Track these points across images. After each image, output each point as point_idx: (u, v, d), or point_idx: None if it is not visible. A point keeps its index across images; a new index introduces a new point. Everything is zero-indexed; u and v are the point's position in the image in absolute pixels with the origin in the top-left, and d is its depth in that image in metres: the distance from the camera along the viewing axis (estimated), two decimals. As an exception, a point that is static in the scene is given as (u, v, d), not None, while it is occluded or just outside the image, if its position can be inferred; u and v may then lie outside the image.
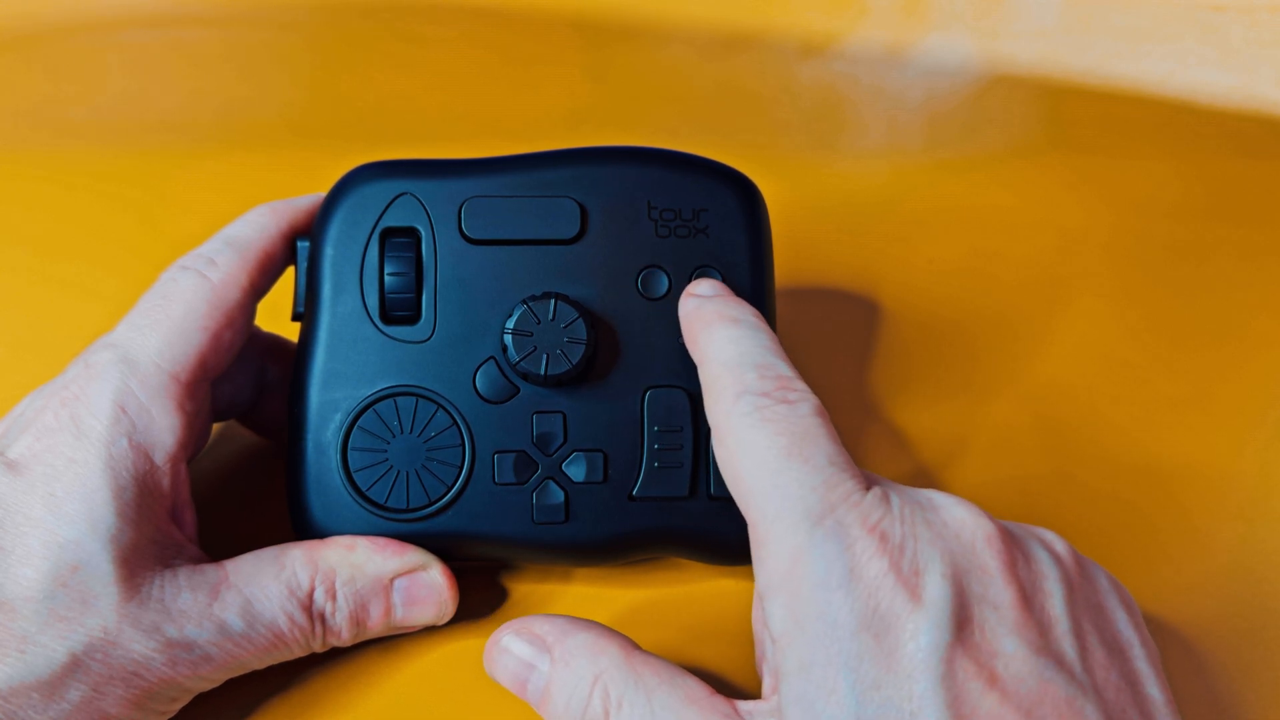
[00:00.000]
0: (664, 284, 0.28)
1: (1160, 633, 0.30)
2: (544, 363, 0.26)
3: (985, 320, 0.39)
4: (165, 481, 0.25)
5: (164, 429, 0.25)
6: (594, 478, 0.27)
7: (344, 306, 0.27)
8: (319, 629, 0.26)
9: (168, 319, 0.26)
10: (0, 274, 0.39)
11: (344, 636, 0.26)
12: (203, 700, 0.26)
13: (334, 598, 0.26)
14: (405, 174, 0.28)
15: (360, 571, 0.26)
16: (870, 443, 0.35)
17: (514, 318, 0.27)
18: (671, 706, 0.22)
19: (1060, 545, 0.23)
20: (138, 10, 0.54)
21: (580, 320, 0.27)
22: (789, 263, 0.38)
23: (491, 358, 0.27)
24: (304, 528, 0.27)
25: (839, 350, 0.38)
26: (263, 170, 0.43)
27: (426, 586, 0.27)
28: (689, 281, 0.28)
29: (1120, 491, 0.34)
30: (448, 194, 0.28)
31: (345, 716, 0.27)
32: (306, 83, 0.51)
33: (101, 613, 0.23)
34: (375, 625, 0.27)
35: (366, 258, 0.27)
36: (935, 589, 0.20)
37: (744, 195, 0.28)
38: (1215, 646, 0.30)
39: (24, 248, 0.40)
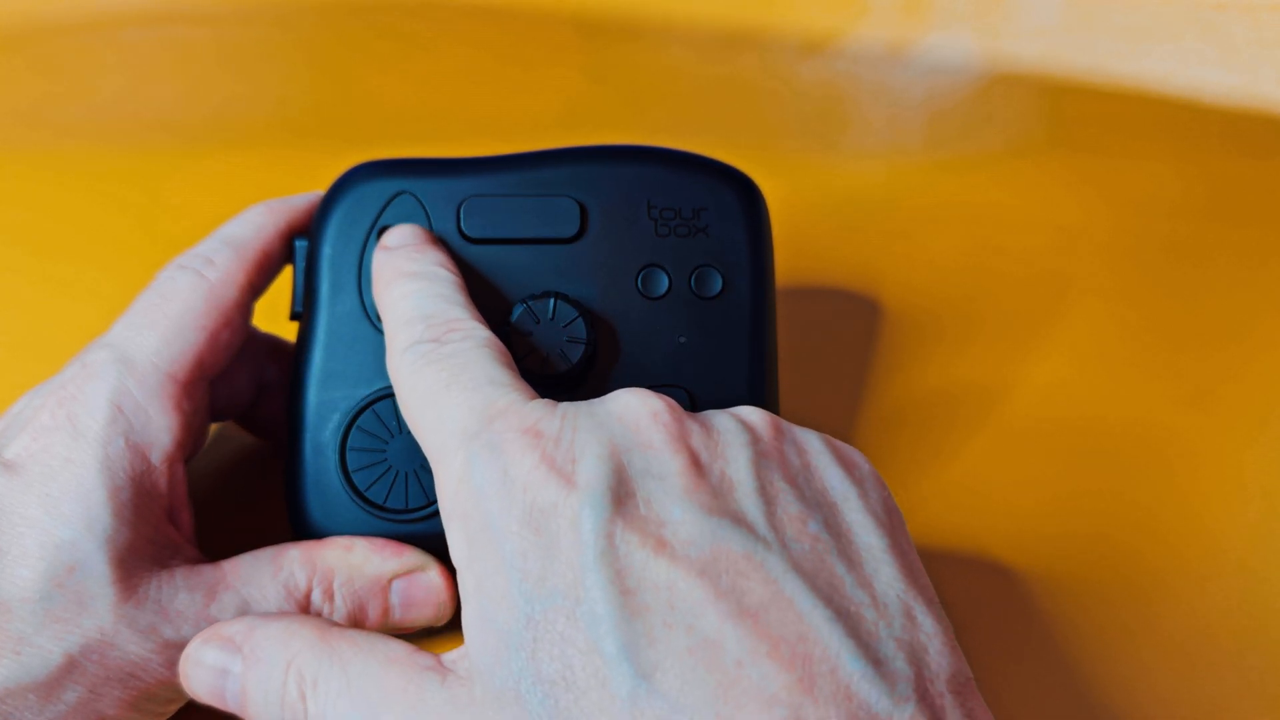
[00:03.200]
0: (664, 283, 0.28)
1: (1164, 633, 0.30)
2: (544, 362, 0.26)
3: (987, 319, 0.39)
4: (162, 481, 0.25)
5: (161, 429, 0.25)
6: (593, 478, 0.27)
7: (342, 306, 0.27)
8: (316, 630, 0.26)
9: (165, 318, 0.26)
10: (-3, 273, 0.39)
11: (342, 637, 0.26)
12: (200, 701, 0.26)
13: (331, 598, 0.26)
14: (404, 173, 0.28)
15: (358, 572, 0.26)
16: (868, 441, 0.35)
17: (514, 317, 0.27)
18: (370, 673, 0.20)
19: (755, 415, 0.22)
20: (134, 9, 0.54)
21: (580, 319, 0.27)
22: (789, 261, 0.38)
23: (490, 357, 0.27)
24: (302, 528, 0.27)
25: (839, 349, 0.37)
26: (260, 170, 0.43)
27: (425, 588, 0.27)
28: (689, 280, 0.28)
29: (1123, 491, 0.34)
30: (446, 193, 0.28)
31: (343, 718, 0.27)
32: (305, 82, 0.51)
33: (98, 614, 0.23)
34: (373, 626, 0.26)
35: (365, 257, 0.27)
36: (589, 471, 0.19)
37: (744, 194, 0.28)
38: (1219, 648, 0.30)
39: (20, 247, 0.40)
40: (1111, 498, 0.33)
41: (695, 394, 0.27)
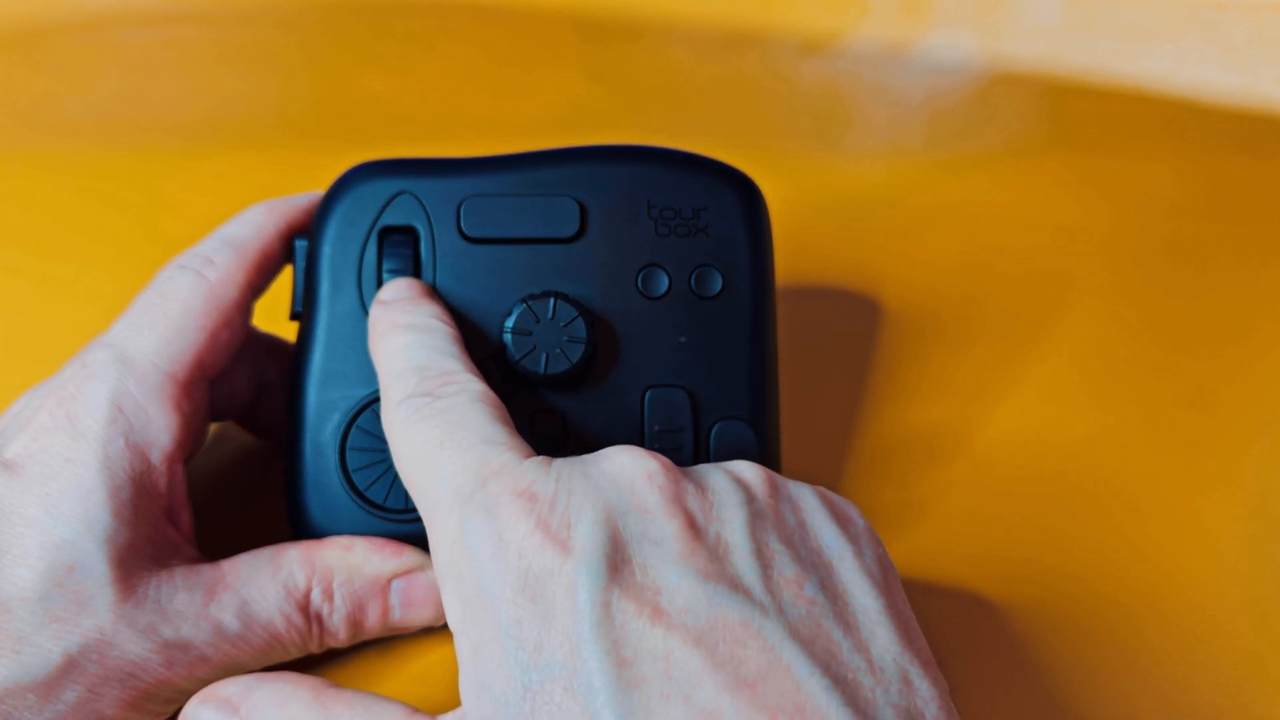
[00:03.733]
0: (664, 283, 0.28)
1: (1162, 636, 0.30)
2: (544, 362, 0.26)
3: (987, 319, 0.39)
4: (162, 481, 0.25)
5: (161, 429, 0.25)
6: (593, 478, 0.27)
7: (342, 305, 0.27)
8: (315, 630, 0.26)
9: (165, 318, 0.26)
10: (-3, 273, 0.39)
11: (341, 637, 0.26)
12: (199, 701, 0.26)
13: (331, 598, 0.26)
14: (404, 173, 0.28)
15: (358, 572, 0.26)
16: (868, 441, 0.35)
17: (513, 317, 0.27)
18: None
19: (750, 472, 0.22)
20: (134, 9, 0.54)
21: (580, 319, 0.26)
22: (789, 261, 0.38)
23: (491, 357, 0.27)
24: (301, 528, 0.27)
25: (839, 348, 0.37)
26: (260, 170, 0.43)
27: (424, 587, 0.27)
28: (689, 280, 0.28)
29: (1122, 492, 0.34)
30: (446, 193, 0.28)
31: (343, 718, 0.27)
32: (305, 82, 0.51)
33: (97, 613, 0.23)
34: (372, 626, 0.26)
35: (365, 257, 0.27)
36: (585, 537, 0.19)
37: (744, 194, 0.28)
38: (1219, 649, 0.30)
39: (20, 247, 0.40)
40: (1109, 500, 0.33)
41: (695, 394, 0.27)
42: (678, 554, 0.19)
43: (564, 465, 0.21)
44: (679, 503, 0.20)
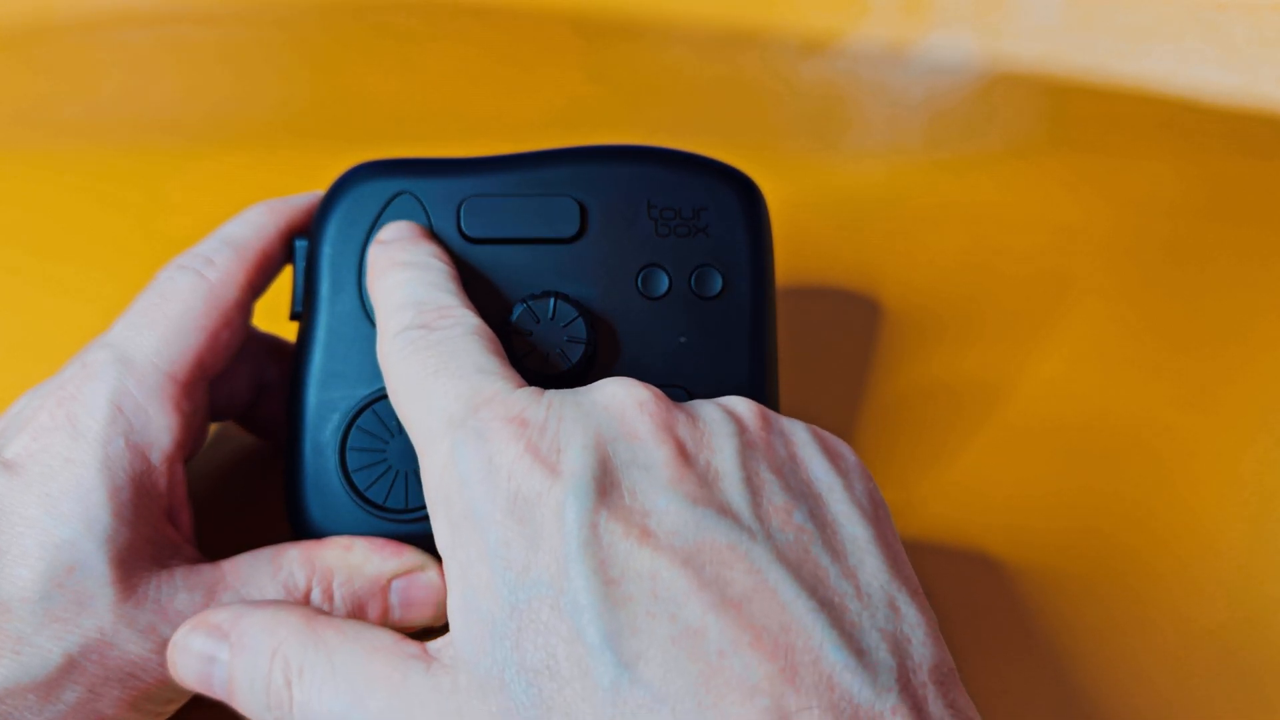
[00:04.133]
0: (664, 283, 0.28)
1: (1161, 635, 0.30)
2: (544, 362, 0.26)
3: (987, 319, 0.39)
4: (162, 481, 0.25)
5: (160, 429, 0.25)
6: (593, 478, 0.27)
7: (342, 306, 0.27)
8: (316, 630, 0.26)
9: (165, 318, 0.26)
10: (-3, 273, 0.39)
11: (341, 637, 0.26)
12: (199, 701, 0.26)
13: (330, 598, 0.26)
14: (404, 173, 0.28)
15: (357, 572, 0.26)
16: (869, 440, 0.35)
17: (513, 317, 0.27)
18: (355, 661, 0.20)
19: (743, 405, 0.22)
20: (134, 9, 0.54)
21: (580, 319, 0.26)
22: (789, 261, 0.38)
23: (490, 357, 0.27)
24: (301, 528, 0.27)
25: (839, 349, 0.37)
26: (259, 170, 0.43)
27: (424, 587, 0.27)
28: (689, 280, 0.28)
29: (1120, 491, 0.34)
30: (446, 193, 0.28)
31: (343, 718, 0.27)
32: (304, 82, 0.51)
33: (97, 614, 0.23)
34: (372, 626, 0.26)
35: (365, 257, 0.27)
36: (574, 461, 0.19)
37: (744, 194, 0.28)
38: (1218, 649, 0.30)
39: (20, 247, 0.40)
40: (1109, 497, 0.33)
41: (695, 394, 0.27)
42: (667, 479, 0.20)
43: (556, 394, 0.21)
44: (669, 430, 0.21)
